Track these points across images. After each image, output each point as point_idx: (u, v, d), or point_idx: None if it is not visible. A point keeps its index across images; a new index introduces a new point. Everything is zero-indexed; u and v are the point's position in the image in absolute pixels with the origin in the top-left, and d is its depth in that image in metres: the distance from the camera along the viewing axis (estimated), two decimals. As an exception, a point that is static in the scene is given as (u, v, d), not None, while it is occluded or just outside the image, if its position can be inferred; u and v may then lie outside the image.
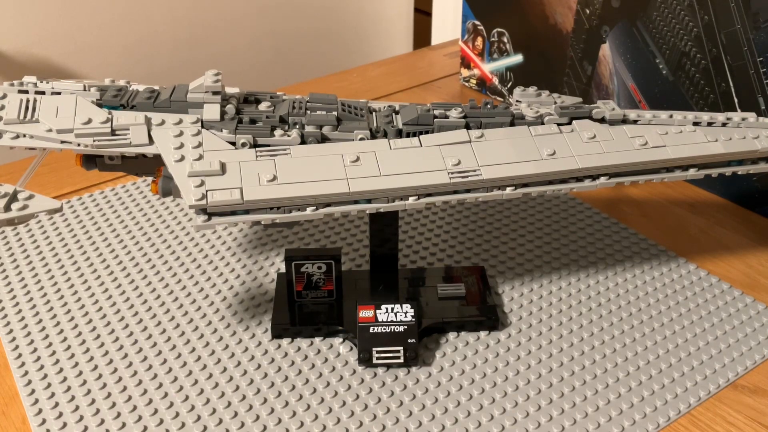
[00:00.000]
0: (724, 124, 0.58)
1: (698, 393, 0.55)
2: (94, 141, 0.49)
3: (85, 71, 1.25)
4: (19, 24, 1.16)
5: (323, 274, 0.59)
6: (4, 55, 1.17)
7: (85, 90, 0.53)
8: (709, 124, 0.58)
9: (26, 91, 0.52)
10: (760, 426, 0.53)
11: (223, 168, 0.49)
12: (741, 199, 0.78)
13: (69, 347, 0.59)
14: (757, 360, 0.58)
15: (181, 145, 0.50)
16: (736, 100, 0.72)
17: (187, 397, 0.54)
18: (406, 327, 0.57)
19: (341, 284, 0.60)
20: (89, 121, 0.49)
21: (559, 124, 0.57)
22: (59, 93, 0.53)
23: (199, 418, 0.53)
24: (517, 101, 0.60)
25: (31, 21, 1.17)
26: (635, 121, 0.58)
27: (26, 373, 0.56)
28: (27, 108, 0.50)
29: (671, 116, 0.58)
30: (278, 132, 0.52)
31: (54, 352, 0.58)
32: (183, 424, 0.52)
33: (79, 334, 0.60)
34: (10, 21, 1.15)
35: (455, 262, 0.69)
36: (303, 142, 0.53)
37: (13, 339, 0.60)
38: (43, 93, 0.53)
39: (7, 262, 0.69)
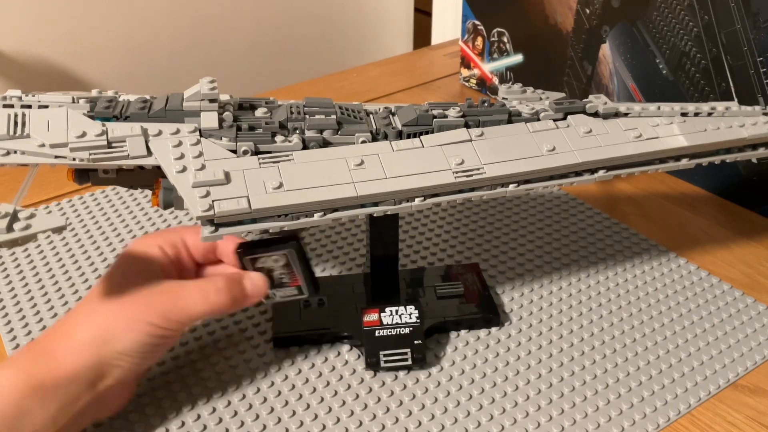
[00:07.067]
0: (709, 114, 0.60)
1: (698, 393, 0.55)
2: (90, 155, 0.47)
3: (84, 71, 1.25)
4: (19, 24, 1.16)
5: (283, 267, 0.53)
6: (4, 55, 1.17)
7: (73, 102, 0.51)
8: (696, 114, 0.60)
9: (11, 106, 0.50)
10: (760, 426, 0.53)
11: (227, 177, 0.48)
12: (741, 199, 0.78)
13: (69, 347, 0.59)
14: (758, 360, 0.58)
15: (182, 156, 0.48)
16: (735, 99, 0.72)
17: (186, 396, 0.54)
18: (411, 328, 0.57)
19: (312, 273, 0.54)
20: (84, 134, 0.47)
21: (554, 120, 0.57)
22: (47, 106, 0.50)
23: (199, 417, 0.53)
24: (503, 98, 0.61)
25: (31, 21, 1.17)
26: (626, 114, 0.59)
27: (26, 372, 0.56)
28: (16, 123, 0.47)
29: (659, 108, 0.59)
30: (279, 138, 0.51)
31: (54, 352, 0.58)
32: (183, 423, 0.52)
33: (79, 333, 0.60)
34: (10, 21, 1.15)
35: (454, 263, 0.69)
36: (305, 147, 0.52)
37: (14, 338, 0.60)
38: (29, 107, 0.50)
39: (8, 260, 0.69)
